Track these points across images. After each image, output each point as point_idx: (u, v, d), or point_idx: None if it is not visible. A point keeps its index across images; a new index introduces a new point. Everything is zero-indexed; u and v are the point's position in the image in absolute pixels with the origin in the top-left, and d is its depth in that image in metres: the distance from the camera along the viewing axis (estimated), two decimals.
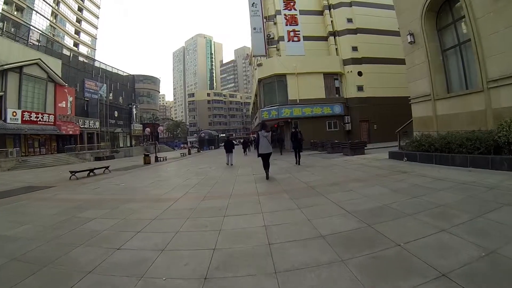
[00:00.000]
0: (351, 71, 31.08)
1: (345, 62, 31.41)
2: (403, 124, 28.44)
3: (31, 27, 46.59)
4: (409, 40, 13.23)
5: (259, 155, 10.16)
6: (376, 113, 30.27)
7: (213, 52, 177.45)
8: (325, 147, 22.15)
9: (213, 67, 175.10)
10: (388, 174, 8.56)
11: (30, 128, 34.20)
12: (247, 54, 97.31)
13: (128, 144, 62.37)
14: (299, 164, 13.99)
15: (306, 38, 32.07)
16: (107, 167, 18.98)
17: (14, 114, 32.39)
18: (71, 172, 15.83)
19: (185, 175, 13.92)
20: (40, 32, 47.39)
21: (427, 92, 12.51)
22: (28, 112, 34.24)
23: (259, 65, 30.70)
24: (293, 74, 29.00)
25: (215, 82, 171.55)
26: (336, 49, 32.11)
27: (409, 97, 14.27)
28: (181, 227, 4.89)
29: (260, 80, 30.83)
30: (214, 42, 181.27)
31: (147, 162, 25.49)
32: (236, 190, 8.36)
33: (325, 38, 32.87)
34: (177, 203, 7.06)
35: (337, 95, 30.96)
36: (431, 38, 12.48)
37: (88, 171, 17.06)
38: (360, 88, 31.04)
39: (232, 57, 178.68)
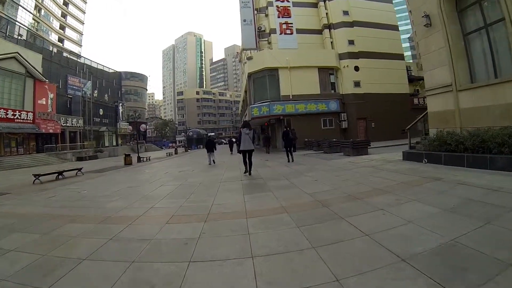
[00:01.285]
0: (347, 66, 29.23)
1: (341, 57, 29.60)
2: (402, 122, 27.02)
3: (9, 19, 44.02)
4: (425, 23, 11.28)
5: (239, 151, 10.97)
6: (373, 111, 28.63)
7: (203, 50, 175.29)
8: (322, 146, 20.23)
9: (203, 65, 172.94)
10: (417, 182, 6.52)
11: (6, 126, 32.07)
12: (237, 52, 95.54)
13: (114, 143, 60.31)
14: (292, 161, 14.34)
15: (300, 31, 30.31)
16: (79, 169, 17.10)
17: None
18: (34, 175, 13.87)
19: (162, 179, 11.84)
20: (20, 25, 44.89)
21: (448, 82, 10.58)
22: (4, 109, 32.21)
23: (249, 58, 28.56)
24: (285, 68, 27.02)
25: (205, 81, 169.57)
26: (332, 42, 30.33)
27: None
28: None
29: (250, 75, 28.73)
30: (204, 40, 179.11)
31: (128, 162, 23.78)
32: (217, 205, 6.23)
33: (319, 31, 31.10)
34: (132, 227, 4.98)
35: (332, 91, 29.12)
36: (451, 19, 10.58)
37: (57, 174, 15.18)
38: (357, 84, 29.22)
39: (222, 56, 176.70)
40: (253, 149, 10.73)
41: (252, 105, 27.60)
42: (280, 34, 29.63)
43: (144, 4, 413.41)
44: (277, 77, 27.44)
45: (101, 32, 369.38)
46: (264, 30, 30.15)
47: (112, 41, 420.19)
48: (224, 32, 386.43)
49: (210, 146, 18.00)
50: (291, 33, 29.92)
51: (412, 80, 35.28)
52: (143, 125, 30.80)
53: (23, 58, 34.63)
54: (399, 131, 29.00)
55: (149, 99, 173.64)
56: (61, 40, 65.21)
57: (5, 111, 32.09)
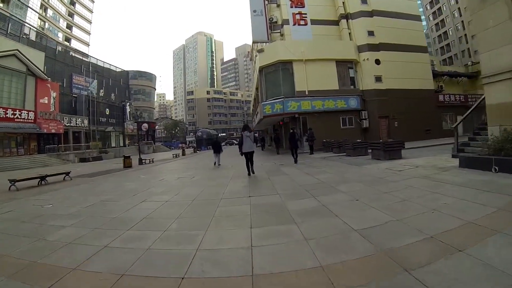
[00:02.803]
0: (367, 59, 26.59)
1: (360, 49, 27.01)
2: (427, 120, 24.59)
3: (12, 16, 42.73)
4: None
5: (242, 153, 11.50)
6: (396, 108, 26.02)
7: (213, 50, 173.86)
8: (344, 148, 17.71)
9: (214, 65, 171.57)
10: None
11: (6, 126, 30.86)
12: (248, 51, 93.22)
13: (121, 144, 58.91)
14: (296, 162, 14.53)
15: (314, 22, 27.94)
16: (67, 173, 15.12)
17: None
18: (10, 180, 11.90)
19: (151, 189, 9.55)
20: (22, 22, 43.53)
21: None
22: (3, 108, 30.94)
23: (260, 51, 26.00)
24: (300, 61, 24.51)
25: (216, 81, 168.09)
26: (350, 34, 27.80)
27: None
28: None
29: (261, 69, 26.19)
30: (214, 40, 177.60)
31: (127, 165, 22.03)
32: (204, 252, 3.64)
33: (336, 22, 28.62)
34: None
35: (352, 87, 26.51)
36: None
37: (39, 179, 13.24)
38: (378, 79, 26.54)
39: (233, 56, 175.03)
40: (253, 151, 11.64)
41: (264, 102, 25.13)
42: (294, 25, 27.32)
43: (155, 4, 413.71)
44: (291, 71, 24.95)
45: (113, 33, 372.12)
46: (276, 22, 27.88)
47: (123, 43, 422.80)
48: (235, 32, 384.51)
49: (217, 147, 18.70)
50: (305, 24, 27.55)
51: (435, 75, 32.61)
52: (145, 125, 28.84)
53: (24, 56, 33.44)
54: (423, 130, 26.65)
55: (160, 100, 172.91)
56: (68, 39, 64.13)
57: (4, 110, 30.88)
